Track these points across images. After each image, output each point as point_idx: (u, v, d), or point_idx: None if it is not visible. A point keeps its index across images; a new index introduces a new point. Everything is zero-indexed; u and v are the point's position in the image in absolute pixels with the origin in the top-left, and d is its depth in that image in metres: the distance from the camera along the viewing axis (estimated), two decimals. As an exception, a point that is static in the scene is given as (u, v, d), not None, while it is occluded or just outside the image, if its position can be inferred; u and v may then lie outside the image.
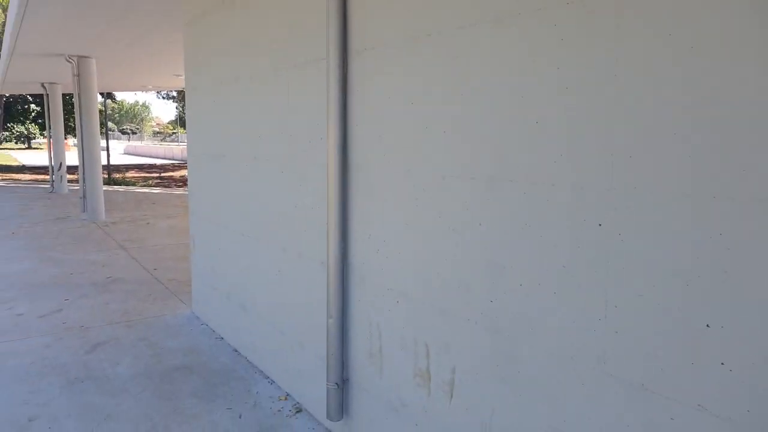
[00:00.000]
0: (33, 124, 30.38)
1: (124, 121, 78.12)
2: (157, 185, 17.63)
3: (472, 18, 1.98)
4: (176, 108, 52.40)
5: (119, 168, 24.46)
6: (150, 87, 17.13)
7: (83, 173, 10.06)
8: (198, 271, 4.63)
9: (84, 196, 10.06)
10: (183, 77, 12.54)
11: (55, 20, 6.86)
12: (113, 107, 55.88)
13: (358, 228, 2.60)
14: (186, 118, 4.66)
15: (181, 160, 33.09)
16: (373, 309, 2.52)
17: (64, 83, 13.47)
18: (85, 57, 9.58)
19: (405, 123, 2.29)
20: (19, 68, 11.21)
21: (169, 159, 35.23)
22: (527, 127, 1.82)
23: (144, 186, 17.33)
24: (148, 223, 9.56)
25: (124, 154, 42.25)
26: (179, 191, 15.67)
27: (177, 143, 52.94)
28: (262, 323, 3.53)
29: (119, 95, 41.05)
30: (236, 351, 3.88)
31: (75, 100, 10.02)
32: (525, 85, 1.82)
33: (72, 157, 15.76)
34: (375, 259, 2.49)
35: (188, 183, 4.74)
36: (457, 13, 2.04)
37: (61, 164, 14.56)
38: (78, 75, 9.67)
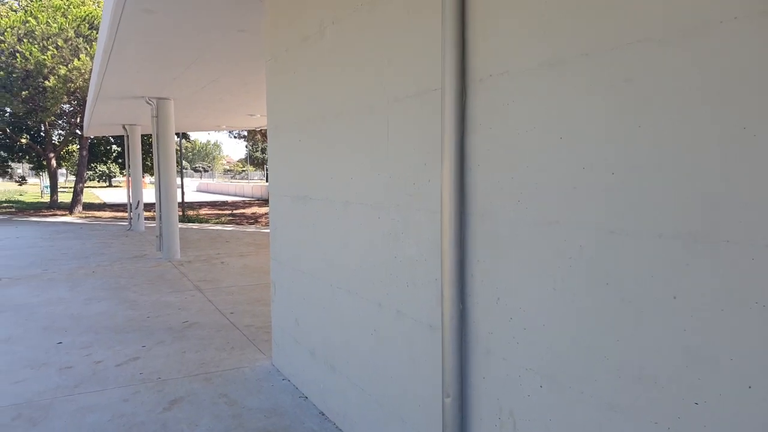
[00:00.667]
0: (114, 164, 32.09)
1: (197, 159, 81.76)
2: (229, 222, 17.85)
3: (656, 31, 1.54)
4: (246, 146, 54.14)
5: (193, 205, 25.17)
6: (224, 127, 17.56)
7: (159, 212, 10.16)
8: (279, 321, 4.29)
9: (160, 235, 10.14)
10: (256, 117, 12.72)
11: (136, 64, 6.94)
12: (187, 146, 58.58)
13: (481, 289, 2.15)
14: (268, 157, 4.41)
15: (251, 197, 33.86)
16: (504, 391, 2.05)
17: (144, 125, 13.95)
18: (164, 99, 9.77)
19: (550, 162, 1.85)
20: (103, 111, 11.65)
21: (240, 196, 36.15)
22: (750, 170, 1.34)
23: (217, 223, 17.58)
24: (222, 263, 9.46)
25: (197, 191, 43.85)
26: (251, 228, 15.74)
27: (247, 180, 54.66)
28: (354, 388, 3.10)
29: (192, 134, 42.91)
30: (323, 414, 3.46)
31: (153, 140, 10.21)
32: (745, 113, 1.35)
33: (148, 194, 16.22)
34: (507, 329, 2.03)
35: (270, 225, 4.46)
36: (630, 27, 1.60)
37: (138, 202, 14.98)
38: (157, 116, 9.86)
